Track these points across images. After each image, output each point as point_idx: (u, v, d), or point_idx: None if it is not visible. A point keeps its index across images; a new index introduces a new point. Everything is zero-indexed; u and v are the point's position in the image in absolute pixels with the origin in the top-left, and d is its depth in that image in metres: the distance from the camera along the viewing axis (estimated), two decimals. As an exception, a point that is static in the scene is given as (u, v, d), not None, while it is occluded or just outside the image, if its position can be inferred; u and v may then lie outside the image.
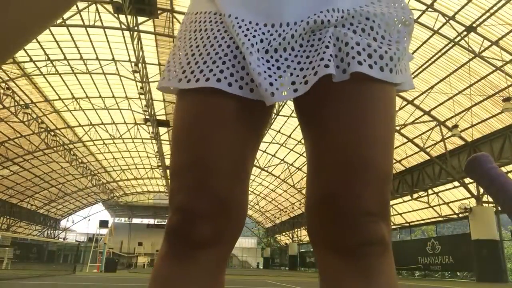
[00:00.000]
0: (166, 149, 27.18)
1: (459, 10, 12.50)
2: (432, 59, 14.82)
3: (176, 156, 0.72)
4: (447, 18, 12.82)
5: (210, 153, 0.68)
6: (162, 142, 26.13)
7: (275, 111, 21.30)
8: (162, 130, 25.07)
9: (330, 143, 0.67)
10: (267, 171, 30.84)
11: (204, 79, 0.68)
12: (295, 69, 0.67)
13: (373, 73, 0.65)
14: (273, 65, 0.67)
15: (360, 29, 0.69)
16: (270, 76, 0.66)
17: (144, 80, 17.87)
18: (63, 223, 49.17)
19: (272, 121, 22.16)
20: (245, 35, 0.68)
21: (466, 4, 12.23)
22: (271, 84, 0.65)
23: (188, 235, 0.67)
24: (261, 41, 0.68)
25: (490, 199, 16.27)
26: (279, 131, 24.64)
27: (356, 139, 0.65)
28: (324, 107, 0.69)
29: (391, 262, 0.67)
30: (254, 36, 0.68)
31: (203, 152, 0.68)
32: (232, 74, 0.68)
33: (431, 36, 13.80)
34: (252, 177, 34.63)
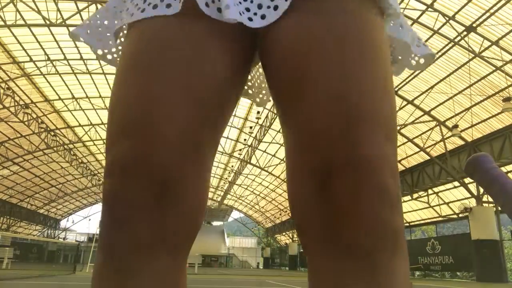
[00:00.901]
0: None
1: (459, 10, 12.50)
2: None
3: (114, 112, 0.55)
4: (447, 18, 12.82)
5: (158, 110, 0.52)
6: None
7: (275, 111, 21.29)
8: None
9: (319, 93, 0.51)
10: (267, 171, 30.84)
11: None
12: None
13: None
14: None
15: None
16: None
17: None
18: (63, 223, 49.20)
19: (273, 121, 22.13)
20: None
21: (466, 4, 12.22)
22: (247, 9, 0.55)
23: (128, 241, 0.50)
24: None
25: (490, 199, 16.25)
26: (279, 131, 24.63)
27: (353, 84, 0.50)
28: (299, 50, 0.53)
29: (405, 262, 0.50)
30: None
31: (149, 108, 0.52)
32: None
33: (431, 36, 13.80)
34: (252, 177, 34.66)
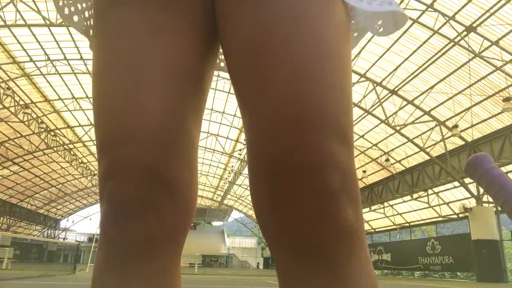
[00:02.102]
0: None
1: (459, 10, 12.50)
2: (432, 59, 14.82)
3: (99, 120, 0.56)
4: (447, 18, 12.82)
5: (141, 111, 0.53)
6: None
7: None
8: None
9: (268, 96, 0.49)
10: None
11: None
12: None
13: None
14: None
15: None
16: None
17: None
18: (63, 223, 49.21)
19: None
20: None
21: (466, 4, 12.22)
22: None
23: (128, 236, 0.52)
24: None
25: (490, 199, 16.24)
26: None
27: (301, 85, 0.48)
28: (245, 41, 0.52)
29: (365, 259, 0.49)
30: None
31: (131, 109, 0.53)
32: None
33: (431, 36, 13.80)
34: (252, 177, 34.49)
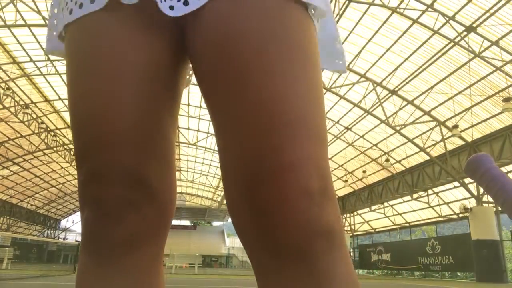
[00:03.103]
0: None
1: (459, 10, 12.50)
2: (432, 59, 14.82)
3: (76, 131, 0.57)
4: (447, 18, 12.82)
5: (117, 118, 0.54)
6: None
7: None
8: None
9: (238, 101, 0.49)
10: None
11: None
12: None
13: None
14: None
15: None
16: None
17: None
18: (63, 223, 49.21)
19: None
20: None
21: (466, 4, 12.23)
22: None
23: (111, 235, 0.54)
24: None
25: (490, 199, 16.26)
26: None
27: (272, 88, 0.48)
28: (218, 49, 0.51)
29: (345, 257, 0.49)
30: None
31: (108, 117, 0.54)
32: None
33: (431, 36, 13.80)
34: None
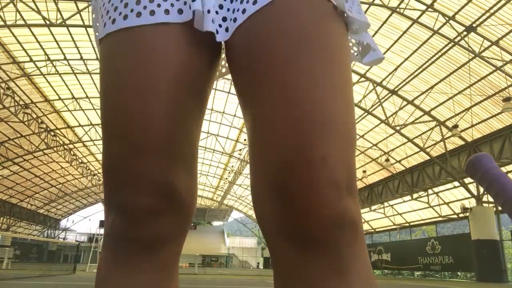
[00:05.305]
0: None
1: (459, 10, 12.50)
2: (432, 59, 14.82)
3: (107, 140, 0.59)
4: (447, 18, 12.82)
5: (150, 127, 0.56)
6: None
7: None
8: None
9: (276, 98, 0.52)
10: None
11: (147, 12, 0.57)
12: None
13: None
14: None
15: None
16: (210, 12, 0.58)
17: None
18: (63, 223, 49.22)
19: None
20: None
21: (466, 4, 12.22)
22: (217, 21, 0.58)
23: (138, 237, 0.57)
24: None
25: (490, 199, 16.25)
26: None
27: (308, 89, 0.52)
28: (262, 53, 0.55)
29: (364, 251, 0.52)
30: None
31: (141, 127, 0.56)
32: (172, 4, 0.58)
33: (431, 36, 13.80)
34: (252, 177, 34.53)
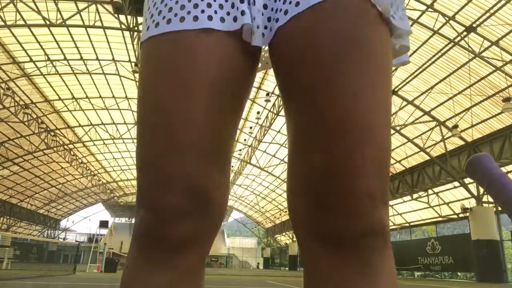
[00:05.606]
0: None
1: (459, 10, 12.50)
2: (432, 59, 14.82)
3: (143, 139, 0.59)
4: (447, 18, 12.82)
5: (188, 128, 0.56)
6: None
7: (275, 111, 21.29)
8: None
9: (321, 105, 0.53)
10: (267, 171, 30.83)
11: (190, 17, 0.58)
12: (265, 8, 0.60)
13: None
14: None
15: None
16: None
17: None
18: (63, 223, 49.20)
19: (272, 121, 22.12)
20: None
21: (466, 4, 12.22)
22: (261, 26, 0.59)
23: (166, 237, 0.57)
24: None
25: (490, 199, 16.24)
26: (279, 131, 24.62)
27: (354, 98, 0.52)
28: (305, 60, 0.55)
29: (391, 256, 0.56)
30: None
31: (179, 127, 0.56)
32: (216, 11, 0.59)
33: (431, 36, 13.80)
34: (252, 177, 34.63)
